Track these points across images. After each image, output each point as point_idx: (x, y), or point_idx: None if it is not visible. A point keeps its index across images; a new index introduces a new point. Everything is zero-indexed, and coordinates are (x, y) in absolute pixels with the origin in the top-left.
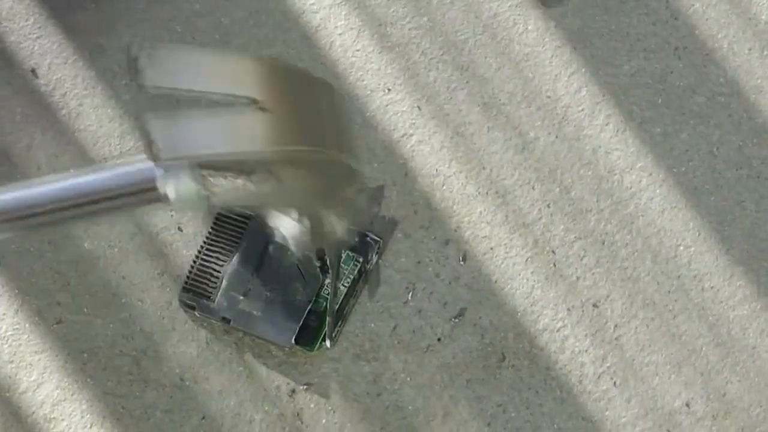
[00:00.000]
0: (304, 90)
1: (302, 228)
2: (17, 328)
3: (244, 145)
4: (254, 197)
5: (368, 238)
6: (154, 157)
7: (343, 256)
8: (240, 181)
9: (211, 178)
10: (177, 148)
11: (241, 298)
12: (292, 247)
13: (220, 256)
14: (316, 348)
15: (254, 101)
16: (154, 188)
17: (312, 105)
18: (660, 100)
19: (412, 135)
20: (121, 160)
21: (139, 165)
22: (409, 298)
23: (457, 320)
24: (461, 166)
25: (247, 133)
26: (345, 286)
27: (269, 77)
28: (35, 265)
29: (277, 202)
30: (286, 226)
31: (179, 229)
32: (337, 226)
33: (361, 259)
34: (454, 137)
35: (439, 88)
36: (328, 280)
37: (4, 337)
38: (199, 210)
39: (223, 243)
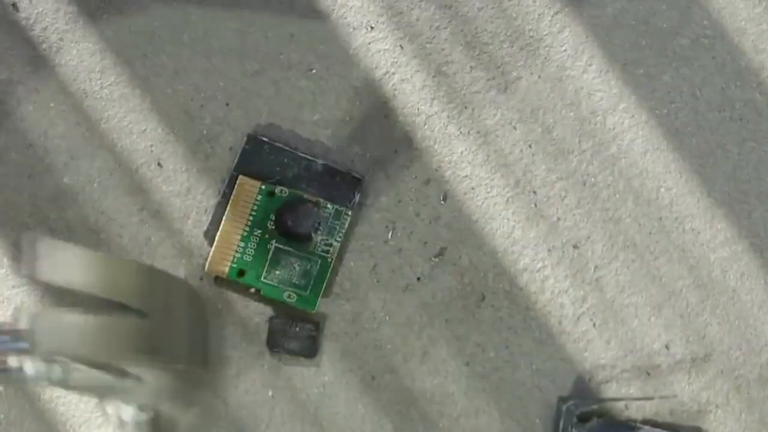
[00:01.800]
0: (177, 299)
1: (144, 417)
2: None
3: (118, 354)
4: (110, 390)
5: (351, 177)
6: (31, 349)
7: (332, 210)
8: (101, 375)
9: (73, 365)
10: (55, 346)
11: None
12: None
13: None
14: (316, 307)
15: (133, 309)
16: (18, 366)
17: (182, 315)
18: (643, 42)
19: (394, 74)
20: None
21: (6, 341)
22: (389, 237)
23: (436, 260)
24: (443, 106)
25: (122, 341)
26: (338, 241)
27: (147, 284)
28: (14, 199)
29: (128, 396)
30: (129, 413)
31: (159, 164)
32: (179, 419)
33: (350, 213)
34: (437, 76)
35: (421, 27)
36: (321, 237)
37: None
38: (53, 386)
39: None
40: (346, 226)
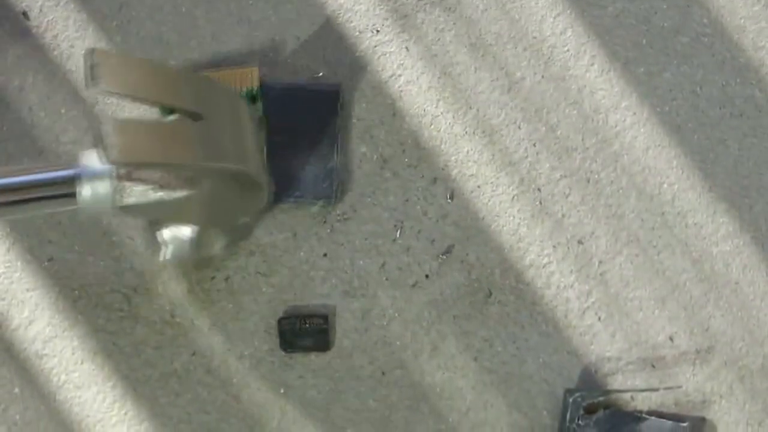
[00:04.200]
0: (229, 107)
1: (188, 240)
2: (9, 266)
3: (181, 157)
4: (162, 206)
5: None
6: (108, 158)
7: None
8: (154, 190)
9: (125, 186)
10: (128, 153)
11: None
12: (168, 256)
13: None
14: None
15: (191, 114)
16: (73, 189)
17: (235, 122)
18: (644, 41)
19: (400, 75)
20: (44, 163)
21: (61, 167)
22: (398, 235)
23: (444, 257)
24: (448, 106)
25: (187, 145)
26: None
27: (203, 92)
28: None
29: (178, 214)
30: (172, 235)
31: None
32: (219, 243)
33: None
34: (442, 77)
35: (427, 30)
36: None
37: None
38: (105, 212)
39: None
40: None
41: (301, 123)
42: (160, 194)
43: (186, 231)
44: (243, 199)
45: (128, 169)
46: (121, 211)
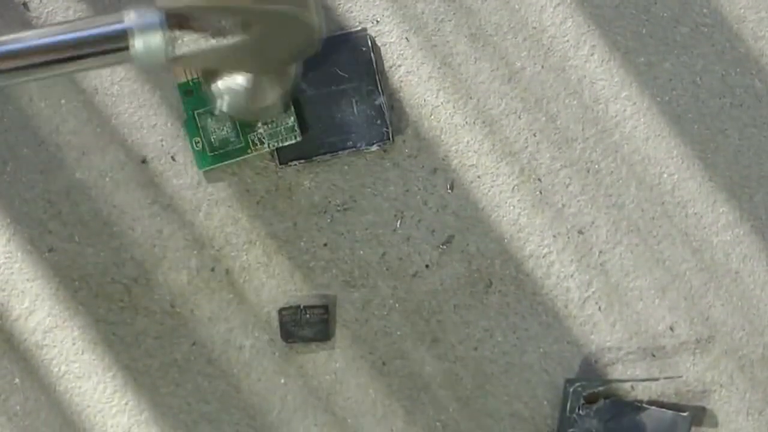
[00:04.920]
0: None
1: (243, 90)
2: (9, 257)
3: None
4: (215, 54)
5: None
6: (157, 2)
7: (290, 122)
8: (206, 37)
9: (177, 33)
10: None
11: None
12: (224, 107)
13: None
14: (203, 168)
15: None
16: (125, 43)
17: None
18: (644, 31)
19: (400, 66)
20: (96, 17)
21: (111, 21)
22: (398, 225)
23: (444, 247)
24: (449, 96)
25: None
26: (270, 147)
27: None
28: (27, 195)
29: (230, 63)
30: (226, 85)
31: (172, 158)
32: (273, 94)
33: (298, 137)
34: (442, 68)
35: (426, 20)
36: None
37: None
38: (159, 66)
39: None
40: (286, 143)
41: (339, 70)
42: (212, 42)
43: (240, 80)
44: (294, 42)
45: (181, 17)
46: (174, 63)
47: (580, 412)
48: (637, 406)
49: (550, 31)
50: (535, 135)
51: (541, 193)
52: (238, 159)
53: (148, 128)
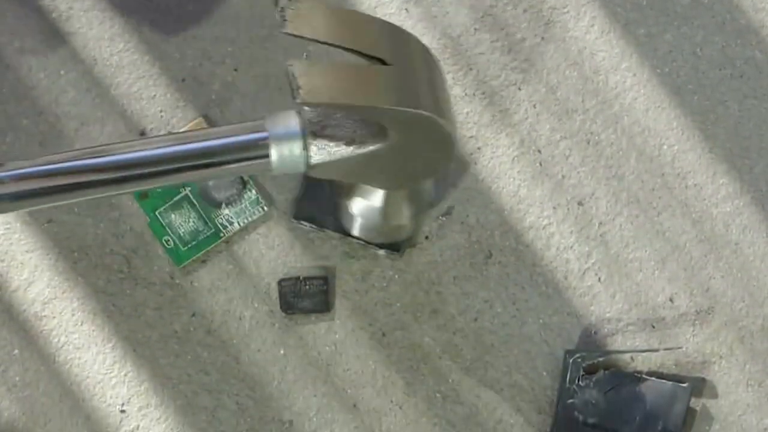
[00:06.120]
0: (419, 55)
1: (378, 207)
2: (8, 228)
3: (375, 100)
4: (354, 165)
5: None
6: (296, 98)
7: (252, 197)
8: (344, 145)
9: (315, 144)
10: (317, 93)
11: None
12: (357, 232)
13: None
14: (182, 265)
15: (378, 59)
16: (265, 152)
17: (427, 71)
18: (644, 2)
19: None
20: (234, 126)
21: (251, 130)
22: None
23: (444, 218)
24: (448, 68)
25: (377, 88)
26: (240, 225)
27: (391, 38)
28: None
29: (372, 174)
30: (362, 207)
31: (170, 131)
32: (407, 212)
33: (265, 208)
34: (442, 38)
35: None
36: (228, 212)
37: None
38: (297, 173)
39: None
40: (255, 217)
41: None
42: (350, 149)
43: (375, 200)
44: (431, 154)
45: (319, 126)
46: (311, 172)
47: (580, 383)
48: (636, 377)
49: (550, 2)
50: (535, 106)
51: (541, 164)
52: (213, 245)
53: (148, 99)
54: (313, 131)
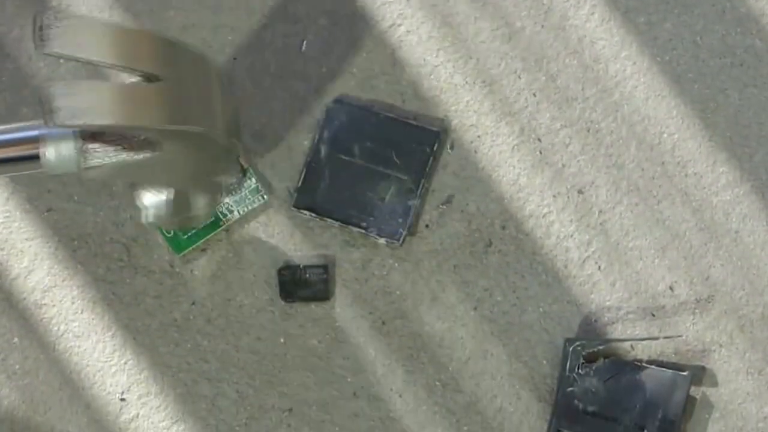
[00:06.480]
0: (193, 67)
1: (165, 202)
2: (8, 216)
3: (137, 119)
4: (130, 168)
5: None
6: (51, 122)
7: (253, 185)
8: (119, 151)
9: (91, 146)
10: (74, 115)
11: None
12: (149, 218)
13: None
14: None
15: (150, 76)
16: (36, 152)
17: (199, 83)
18: None
19: (400, 25)
20: (5, 126)
21: (24, 129)
22: None
23: (444, 207)
24: (448, 56)
25: (141, 107)
26: (239, 213)
27: (163, 53)
28: None
29: (149, 176)
30: (150, 197)
31: None
32: (199, 203)
33: (265, 197)
34: (442, 27)
35: None
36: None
37: None
38: (72, 174)
39: None
40: (255, 206)
41: (395, 155)
42: (122, 156)
43: (163, 193)
44: (210, 162)
45: (93, 130)
46: (86, 173)
47: (580, 371)
48: (636, 366)
49: None
50: (535, 95)
51: (541, 153)
52: (213, 233)
53: None
54: (91, 134)
